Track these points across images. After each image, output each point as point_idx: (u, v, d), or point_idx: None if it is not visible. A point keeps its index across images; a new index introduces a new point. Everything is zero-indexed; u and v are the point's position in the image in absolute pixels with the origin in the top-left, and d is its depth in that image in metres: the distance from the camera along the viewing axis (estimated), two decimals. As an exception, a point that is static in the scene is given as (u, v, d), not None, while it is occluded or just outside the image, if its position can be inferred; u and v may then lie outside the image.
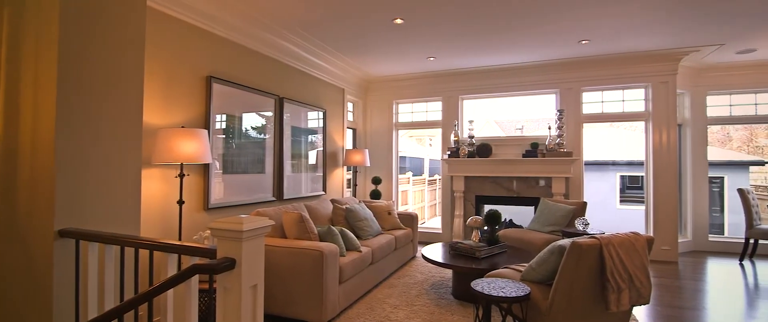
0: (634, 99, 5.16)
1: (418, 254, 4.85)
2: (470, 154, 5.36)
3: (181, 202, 2.78)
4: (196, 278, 1.54)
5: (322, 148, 4.98)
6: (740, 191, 4.91)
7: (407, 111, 6.26)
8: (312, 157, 4.77)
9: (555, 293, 2.14)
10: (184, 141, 2.62)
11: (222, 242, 1.48)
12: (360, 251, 3.39)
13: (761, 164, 11.22)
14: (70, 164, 1.82)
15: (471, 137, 5.43)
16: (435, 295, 3.50)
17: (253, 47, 3.80)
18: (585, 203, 4.42)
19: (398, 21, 3.73)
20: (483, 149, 5.38)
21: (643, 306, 3.29)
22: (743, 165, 10.16)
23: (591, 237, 2.14)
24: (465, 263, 3.25)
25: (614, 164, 10.52)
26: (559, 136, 4.99)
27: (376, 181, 5.55)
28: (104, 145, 1.97)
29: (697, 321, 3.04)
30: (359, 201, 4.54)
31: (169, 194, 2.93)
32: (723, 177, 9.61)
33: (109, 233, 1.83)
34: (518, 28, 3.95)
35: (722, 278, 4.16)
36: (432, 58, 5.00)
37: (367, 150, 5.42)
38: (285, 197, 4.16)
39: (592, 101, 5.31)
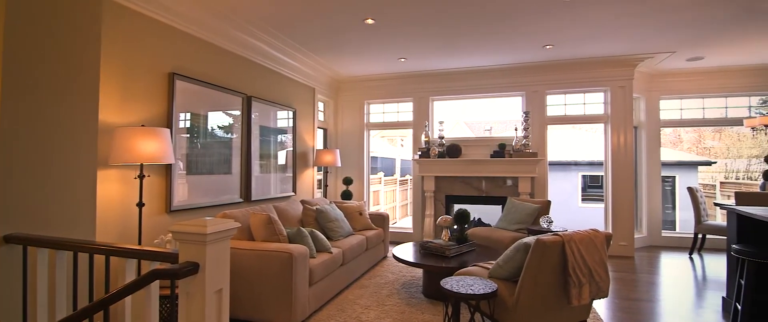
0: (595, 102, 5.41)
1: (390, 254, 4.87)
2: (440, 155, 5.43)
3: (141, 204, 2.66)
4: (156, 283, 1.47)
5: (292, 149, 4.91)
6: (690, 190, 5.25)
7: (378, 111, 6.27)
8: (281, 158, 4.68)
9: (520, 289, 2.21)
10: (144, 140, 2.51)
11: (184, 246, 1.43)
12: (331, 253, 3.36)
13: (708, 164, 12.11)
14: (18, 164, 1.69)
15: (441, 138, 5.51)
16: (406, 294, 3.52)
17: (220, 44, 3.69)
18: (549, 202, 4.59)
19: (369, 21, 3.72)
20: (453, 150, 5.47)
21: (602, 299, 3.45)
22: (692, 165, 10.93)
23: (554, 235, 2.22)
24: (435, 262, 3.29)
25: (576, 164, 11.00)
26: (525, 137, 5.15)
27: (347, 181, 5.52)
28: (56, 144, 1.85)
29: (652, 312, 3.23)
30: (330, 202, 4.51)
31: (128, 196, 2.79)
32: (674, 176, 10.26)
33: (60, 238, 1.72)
34: (486, 32, 4.04)
35: (674, 271, 4.43)
36: (403, 59, 5.03)
37: (338, 150, 5.39)
38: (253, 199, 4.06)
39: (556, 104, 5.53)
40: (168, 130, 2.70)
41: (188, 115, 3.32)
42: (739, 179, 14.87)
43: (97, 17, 2.05)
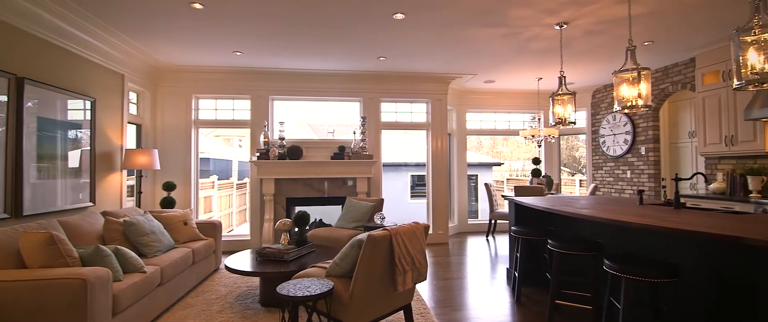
0: (419, 111, 6.19)
1: (222, 266, 4.44)
2: (281, 156, 5.27)
3: None
4: None
5: (89, 148, 3.95)
6: (486, 185, 6.52)
7: (210, 108, 5.67)
8: (74, 159, 3.71)
9: (355, 282, 2.31)
10: None
11: None
12: (144, 272, 2.84)
13: (499, 164, 15.49)
14: None
15: (282, 139, 5.35)
16: (240, 307, 3.27)
17: (-33, 3, 2.68)
18: (382, 200, 4.99)
19: (197, 6, 3.32)
20: (294, 151, 5.38)
21: (423, 282, 3.94)
22: (489, 166, 13.70)
23: (384, 229, 2.41)
24: (273, 268, 3.15)
25: (406, 165, 12.39)
26: (363, 140, 5.48)
27: (169, 186, 4.78)
28: None
29: (461, 287, 3.86)
30: (145, 212, 3.82)
31: None
32: (477, 175, 12.63)
33: None
34: (325, 36, 4.12)
35: (476, 252, 5.42)
36: (238, 53, 4.68)
37: (156, 150, 4.61)
38: (26, 213, 3.08)
39: (389, 111, 6.08)
40: None
41: None
42: (518, 176, 19.37)
43: None
